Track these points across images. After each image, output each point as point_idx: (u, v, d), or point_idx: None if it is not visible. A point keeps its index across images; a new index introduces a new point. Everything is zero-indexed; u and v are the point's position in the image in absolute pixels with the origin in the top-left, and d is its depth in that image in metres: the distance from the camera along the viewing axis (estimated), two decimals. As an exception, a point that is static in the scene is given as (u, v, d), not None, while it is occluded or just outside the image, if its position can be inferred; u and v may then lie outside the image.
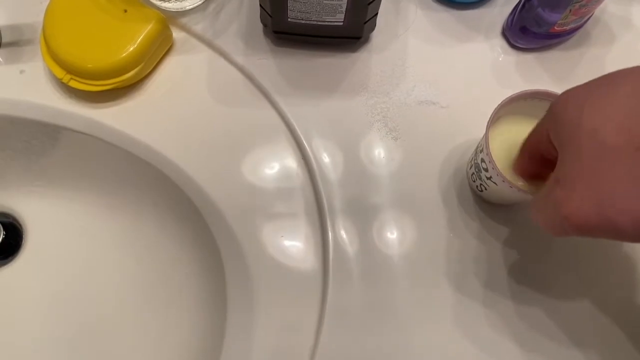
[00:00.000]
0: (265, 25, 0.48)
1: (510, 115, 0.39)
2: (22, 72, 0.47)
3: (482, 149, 0.38)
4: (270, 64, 0.48)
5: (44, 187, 0.55)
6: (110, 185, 0.54)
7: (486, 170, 0.39)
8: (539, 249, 0.43)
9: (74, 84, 0.44)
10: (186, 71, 0.48)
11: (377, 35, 0.49)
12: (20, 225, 0.56)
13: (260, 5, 0.45)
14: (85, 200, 0.55)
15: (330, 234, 0.43)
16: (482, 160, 0.39)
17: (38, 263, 0.55)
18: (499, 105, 0.37)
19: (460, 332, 0.41)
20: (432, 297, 0.42)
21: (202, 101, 0.47)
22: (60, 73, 0.44)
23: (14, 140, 0.51)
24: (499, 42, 0.49)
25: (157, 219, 0.53)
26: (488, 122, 0.37)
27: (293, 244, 0.43)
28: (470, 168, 0.43)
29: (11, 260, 0.56)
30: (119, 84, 0.44)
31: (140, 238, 0.54)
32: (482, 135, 0.39)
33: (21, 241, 0.56)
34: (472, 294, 0.42)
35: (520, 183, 0.38)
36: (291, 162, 0.45)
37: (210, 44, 0.48)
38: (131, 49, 0.43)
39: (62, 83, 0.45)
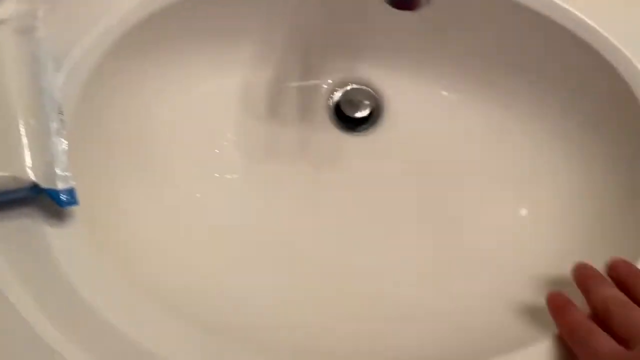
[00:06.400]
0: None
1: None
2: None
3: None
4: None
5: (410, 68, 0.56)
6: (488, 73, 0.53)
7: None
8: None
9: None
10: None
11: None
12: (382, 100, 0.58)
13: None
14: (455, 85, 0.55)
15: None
16: None
17: (394, 138, 0.56)
18: None
19: None
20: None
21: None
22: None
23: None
24: None
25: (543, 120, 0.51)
26: None
27: None
28: None
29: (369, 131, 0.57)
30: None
31: (507, 136, 0.52)
32: None
33: (381, 115, 0.57)
34: None
35: None
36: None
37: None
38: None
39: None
